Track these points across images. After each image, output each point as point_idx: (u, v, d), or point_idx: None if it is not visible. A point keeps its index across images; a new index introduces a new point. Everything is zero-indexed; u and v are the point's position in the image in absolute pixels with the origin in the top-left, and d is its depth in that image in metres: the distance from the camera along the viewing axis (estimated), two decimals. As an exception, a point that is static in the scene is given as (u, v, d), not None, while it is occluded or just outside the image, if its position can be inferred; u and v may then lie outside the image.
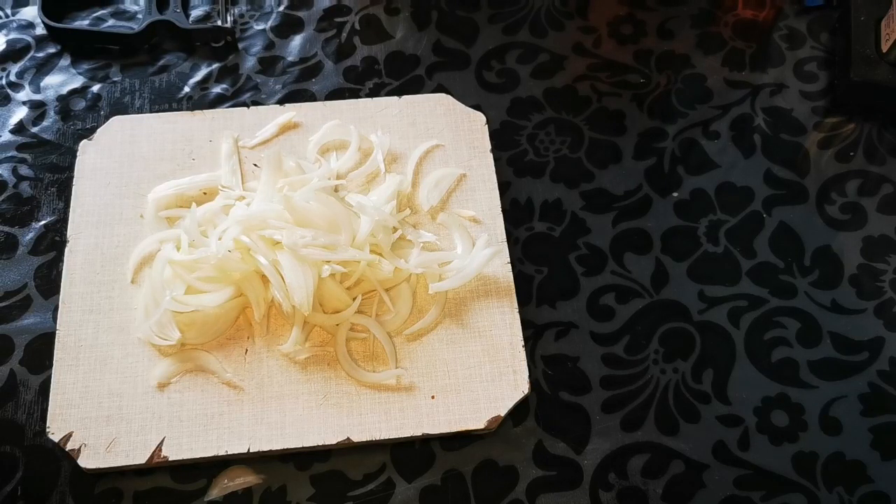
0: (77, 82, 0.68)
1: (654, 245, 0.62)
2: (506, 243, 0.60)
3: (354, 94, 0.68)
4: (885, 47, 0.66)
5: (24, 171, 0.64)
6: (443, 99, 0.66)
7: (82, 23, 0.71)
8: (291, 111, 0.65)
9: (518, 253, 0.61)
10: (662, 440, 0.55)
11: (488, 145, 0.64)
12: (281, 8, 0.73)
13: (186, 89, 0.68)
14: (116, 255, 0.58)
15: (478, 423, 0.53)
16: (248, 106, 0.66)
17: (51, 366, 0.55)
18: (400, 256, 0.57)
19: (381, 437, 0.53)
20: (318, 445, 0.53)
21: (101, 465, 0.51)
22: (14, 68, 0.68)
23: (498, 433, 0.55)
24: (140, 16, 0.71)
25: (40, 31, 0.70)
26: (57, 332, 0.56)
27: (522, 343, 0.56)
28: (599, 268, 0.61)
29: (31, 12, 0.71)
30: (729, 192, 0.64)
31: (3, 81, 0.68)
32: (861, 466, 0.54)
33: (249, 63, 0.69)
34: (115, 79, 0.68)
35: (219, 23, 0.70)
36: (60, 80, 0.68)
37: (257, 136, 0.64)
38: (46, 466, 0.53)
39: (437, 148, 0.64)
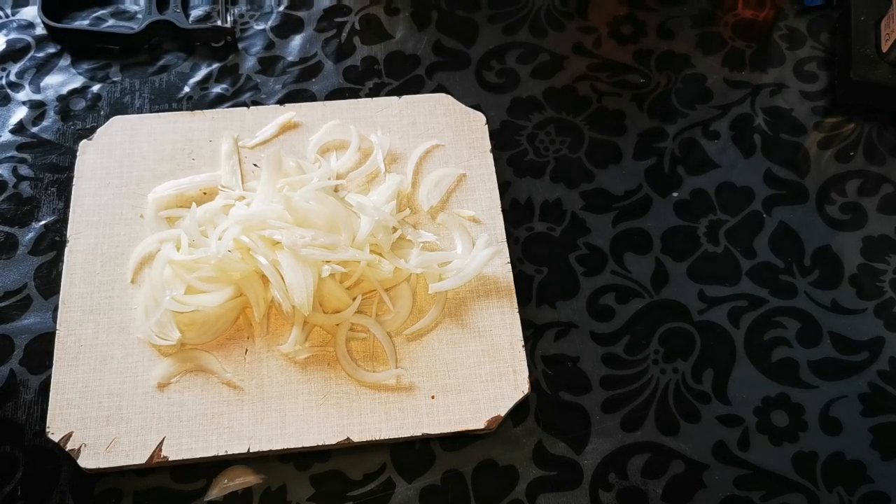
0: (77, 82, 0.68)
1: (654, 245, 0.62)
2: (506, 243, 0.60)
3: (354, 94, 0.68)
4: (885, 47, 0.66)
5: (24, 171, 0.64)
6: (443, 99, 0.66)
7: (82, 23, 0.71)
8: (291, 111, 0.65)
9: (518, 253, 0.61)
10: (662, 440, 0.55)
11: (488, 145, 0.64)
12: (281, 8, 0.73)
13: (186, 89, 0.68)
14: (116, 255, 0.58)
15: (478, 423, 0.53)
16: (248, 106, 0.66)
17: (51, 366, 0.55)
18: (400, 256, 0.57)
19: (381, 437, 0.53)
20: (318, 445, 0.53)
21: (101, 465, 0.51)
22: (14, 68, 0.68)
23: (498, 433, 0.55)
24: (140, 16, 0.71)
25: (40, 31, 0.70)
26: (57, 332, 0.56)
27: (522, 343, 0.56)
28: (599, 268, 0.61)
29: (31, 12, 0.71)
30: (729, 192, 0.64)
31: (3, 81, 0.68)
32: (861, 466, 0.54)
33: (249, 63, 0.69)
34: (115, 79, 0.68)
35: (219, 23, 0.70)
36: (60, 80, 0.68)
37: (257, 136, 0.64)
38: (46, 466, 0.53)
39: (437, 148, 0.64)
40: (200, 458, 0.52)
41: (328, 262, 0.54)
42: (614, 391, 0.56)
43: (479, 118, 0.65)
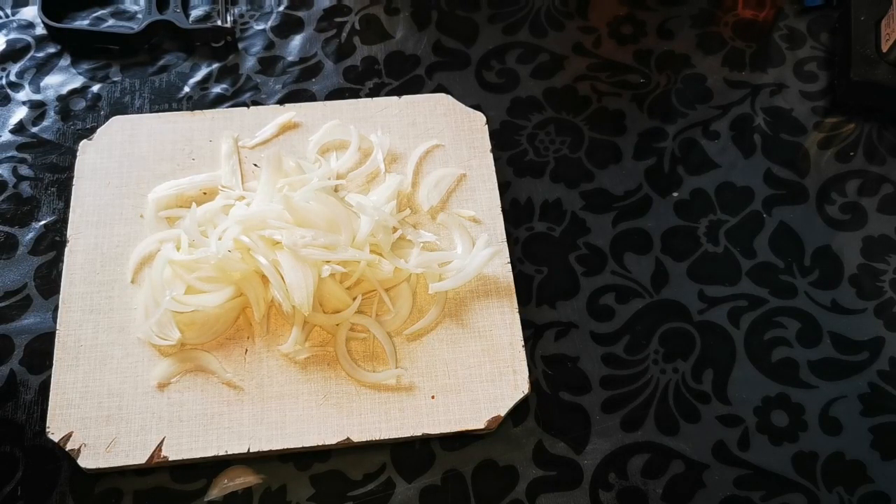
0: (77, 82, 0.68)
1: (654, 245, 0.62)
2: (506, 243, 0.60)
3: (354, 94, 0.68)
4: (885, 47, 0.66)
5: (24, 171, 0.64)
6: (443, 99, 0.66)
7: (82, 23, 0.71)
8: (291, 111, 0.65)
9: (518, 253, 0.61)
10: (662, 440, 0.55)
11: (488, 145, 0.64)
12: (281, 8, 0.73)
13: (186, 89, 0.68)
14: (116, 255, 0.58)
15: (478, 423, 0.53)
16: (248, 106, 0.66)
17: (51, 366, 0.55)
18: (400, 256, 0.57)
19: (381, 437, 0.53)
20: (318, 445, 0.53)
21: (101, 465, 0.51)
22: (14, 68, 0.68)
23: (498, 433, 0.55)
24: (140, 16, 0.71)
25: (40, 31, 0.70)
26: (57, 332, 0.56)
27: (522, 343, 0.56)
28: (599, 268, 0.61)
29: (31, 12, 0.71)
30: (729, 192, 0.64)
31: (3, 81, 0.68)
32: (861, 466, 0.54)
33: (249, 63, 0.69)
34: (115, 79, 0.68)
35: (219, 23, 0.70)
36: (60, 80, 0.68)
37: (257, 136, 0.64)
38: (46, 466, 0.53)
39: (437, 148, 0.64)
40: (200, 458, 0.52)
41: (328, 262, 0.54)
42: (614, 391, 0.56)
43: (479, 118, 0.65)
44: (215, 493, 0.53)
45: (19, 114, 0.66)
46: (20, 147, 0.65)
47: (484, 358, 0.56)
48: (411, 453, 0.54)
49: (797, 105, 0.69)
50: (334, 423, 0.53)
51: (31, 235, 0.61)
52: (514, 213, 0.63)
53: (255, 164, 0.62)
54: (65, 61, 0.69)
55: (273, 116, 0.64)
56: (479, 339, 0.56)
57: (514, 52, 0.71)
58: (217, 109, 0.66)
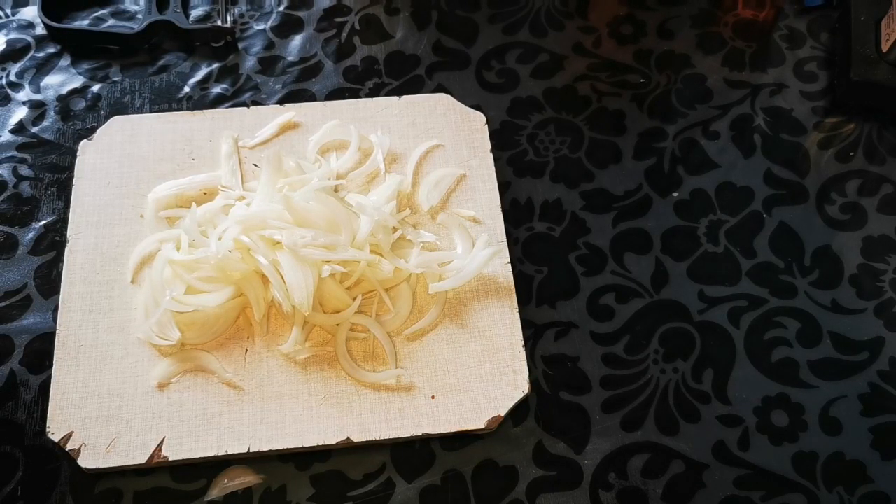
0: (77, 82, 0.68)
1: (654, 245, 0.62)
2: (506, 243, 0.60)
3: (354, 94, 0.68)
4: (885, 47, 0.66)
5: (24, 171, 0.64)
6: (443, 99, 0.66)
7: (82, 23, 0.71)
8: (291, 111, 0.65)
9: (518, 253, 0.61)
10: (662, 440, 0.55)
11: (488, 145, 0.64)
12: (281, 8, 0.73)
13: (186, 89, 0.68)
14: (116, 255, 0.58)
15: (478, 423, 0.53)
16: (248, 106, 0.66)
17: (51, 366, 0.55)
18: (400, 256, 0.57)
19: (381, 437, 0.53)
20: (318, 445, 0.53)
21: (101, 465, 0.51)
22: (14, 68, 0.68)
23: (498, 433, 0.55)
24: (140, 16, 0.71)
25: (40, 31, 0.70)
26: (57, 332, 0.56)
27: (522, 343, 0.56)
28: (599, 268, 0.61)
29: (31, 12, 0.71)
30: (729, 192, 0.64)
31: (3, 81, 0.68)
32: (861, 466, 0.54)
33: (249, 63, 0.69)
34: (115, 79, 0.68)
35: (219, 23, 0.70)
36: (60, 80, 0.68)
37: (257, 136, 0.64)
38: (46, 466, 0.53)
39: (437, 148, 0.64)
40: (200, 458, 0.52)
41: (328, 262, 0.54)
42: (614, 391, 0.56)
43: (479, 118, 0.65)
44: (215, 493, 0.53)
45: (19, 114, 0.66)
46: (20, 147, 0.65)
47: (484, 358, 0.56)
48: (411, 453, 0.54)
49: (797, 105, 0.69)
50: (334, 423, 0.53)
51: (31, 235, 0.61)
52: (514, 213, 0.63)
53: (255, 164, 0.62)
54: (65, 61, 0.69)
55: (273, 116, 0.64)
56: (479, 339, 0.56)
57: (514, 52, 0.71)
58: (217, 109, 0.66)
